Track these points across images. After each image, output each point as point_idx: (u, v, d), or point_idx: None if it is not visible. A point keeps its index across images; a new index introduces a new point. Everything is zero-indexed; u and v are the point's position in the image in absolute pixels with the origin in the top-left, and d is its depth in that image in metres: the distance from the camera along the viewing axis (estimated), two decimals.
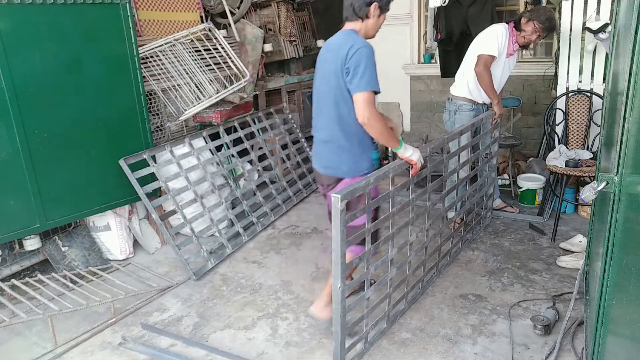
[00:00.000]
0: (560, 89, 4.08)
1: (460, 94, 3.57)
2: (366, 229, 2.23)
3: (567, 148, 3.89)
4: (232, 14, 4.99)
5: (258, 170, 4.23)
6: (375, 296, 2.49)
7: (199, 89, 4.13)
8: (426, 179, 2.68)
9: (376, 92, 2.26)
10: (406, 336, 2.53)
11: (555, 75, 4.20)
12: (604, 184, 1.52)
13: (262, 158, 4.40)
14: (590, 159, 3.67)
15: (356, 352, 2.37)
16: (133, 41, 3.37)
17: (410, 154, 2.38)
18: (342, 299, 2.12)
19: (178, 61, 4.07)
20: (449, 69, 4.89)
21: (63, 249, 3.29)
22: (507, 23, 3.47)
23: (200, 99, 4.05)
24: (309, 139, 5.83)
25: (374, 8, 2.33)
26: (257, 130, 4.42)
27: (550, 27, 3.41)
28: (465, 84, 3.54)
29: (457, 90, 3.60)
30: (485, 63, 3.34)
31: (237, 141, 4.21)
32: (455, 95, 3.60)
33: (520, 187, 4.17)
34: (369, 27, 2.38)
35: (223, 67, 4.42)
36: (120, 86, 3.35)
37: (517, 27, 3.43)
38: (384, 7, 2.37)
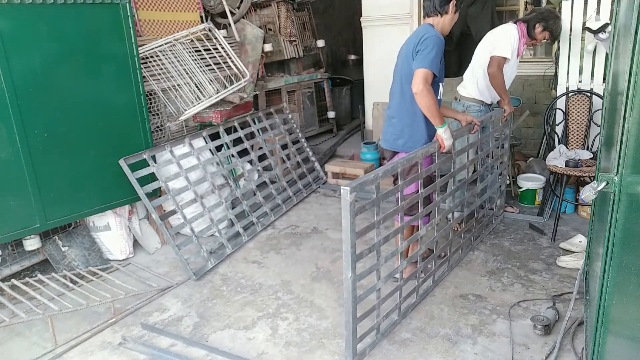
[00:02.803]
0: (560, 89, 4.08)
1: (469, 95, 3.56)
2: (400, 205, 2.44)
3: (567, 148, 3.89)
4: (232, 14, 5.00)
5: (258, 170, 4.23)
6: (386, 289, 2.52)
7: (199, 89, 4.13)
8: (436, 175, 2.75)
9: (435, 76, 2.57)
10: (406, 336, 2.53)
11: (555, 75, 4.20)
12: (604, 184, 1.52)
13: (262, 158, 4.40)
14: (590, 159, 3.67)
15: (367, 343, 2.39)
16: (133, 41, 3.37)
17: (447, 137, 2.65)
18: (353, 289, 2.15)
19: (178, 61, 4.07)
20: (449, 69, 4.87)
21: (63, 249, 3.29)
22: (515, 23, 3.47)
23: (200, 99, 4.06)
24: (309, 139, 5.89)
25: (452, 5, 2.67)
26: (257, 130, 4.42)
27: (557, 38, 3.63)
28: (474, 84, 3.52)
29: (466, 90, 3.59)
30: (499, 64, 3.35)
31: (237, 141, 4.21)
32: (464, 95, 3.58)
33: (520, 187, 4.17)
34: (445, 22, 2.71)
35: (223, 67, 4.42)
36: (120, 86, 3.35)
37: (530, 32, 3.46)
38: (458, 5, 2.72)
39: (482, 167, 3.40)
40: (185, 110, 3.94)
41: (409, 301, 2.71)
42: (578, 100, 3.90)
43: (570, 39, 3.97)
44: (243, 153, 4.25)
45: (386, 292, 2.50)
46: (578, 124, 3.92)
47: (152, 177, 3.42)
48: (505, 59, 3.36)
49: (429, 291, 2.89)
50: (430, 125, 2.72)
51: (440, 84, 2.77)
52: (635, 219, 1.47)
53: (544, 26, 3.42)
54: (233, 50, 4.54)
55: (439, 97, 2.77)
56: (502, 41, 3.37)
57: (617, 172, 1.50)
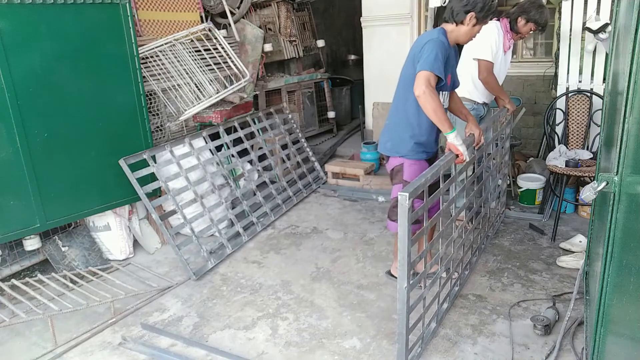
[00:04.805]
0: (560, 89, 4.08)
1: (460, 94, 3.54)
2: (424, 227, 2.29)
3: (567, 148, 3.89)
4: (232, 14, 5.00)
5: (258, 170, 4.23)
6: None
7: (199, 89, 4.13)
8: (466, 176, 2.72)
9: (439, 79, 2.45)
10: None
11: (555, 75, 4.20)
12: (604, 184, 1.52)
13: (262, 158, 4.40)
14: (590, 159, 3.67)
15: (414, 353, 2.33)
16: (133, 41, 3.37)
17: (460, 143, 2.48)
18: (408, 299, 2.07)
19: (178, 61, 4.07)
20: None
21: (63, 249, 3.29)
22: (498, 19, 3.43)
23: (200, 99, 4.05)
24: (309, 139, 5.89)
25: (470, 17, 2.51)
26: (257, 130, 4.42)
27: (545, 26, 3.42)
28: (463, 84, 3.50)
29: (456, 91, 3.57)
30: (487, 68, 3.32)
31: (237, 141, 4.21)
32: None
33: (520, 187, 4.17)
34: (460, 32, 2.57)
35: (223, 67, 4.42)
36: (120, 86, 3.35)
37: (513, 27, 3.40)
38: (480, 19, 2.53)
39: (494, 167, 3.38)
40: (185, 110, 3.94)
41: (442, 307, 2.66)
42: (578, 100, 3.90)
43: (570, 39, 3.97)
44: (243, 153, 4.24)
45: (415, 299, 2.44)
46: (578, 124, 3.92)
47: (152, 177, 3.42)
48: (490, 62, 3.31)
49: (458, 293, 2.86)
50: (422, 132, 2.62)
51: (442, 92, 2.64)
52: (635, 219, 1.47)
53: (526, 19, 3.34)
54: (233, 50, 4.54)
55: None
56: (481, 43, 3.28)
57: (617, 172, 1.50)
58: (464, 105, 3.51)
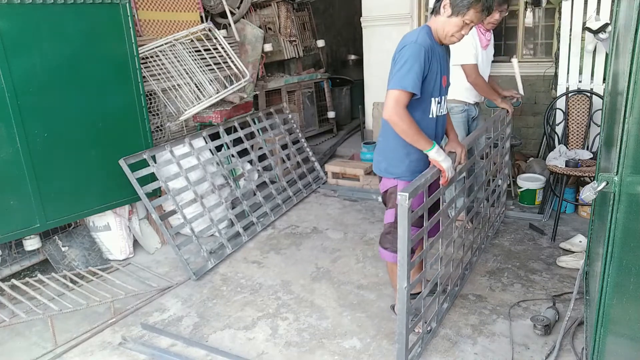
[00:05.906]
0: (560, 89, 4.08)
1: (450, 96, 3.51)
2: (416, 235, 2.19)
3: (567, 148, 3.89)
4: (232, 14, 5.00)
5: (258, 170, 4.23)
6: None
7: (199, 89, 4.13)
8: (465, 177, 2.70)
9: (413, 94, 2.18)
10: None
11: (555, 75, 4.20)
12: (604, 184, 1.52)
13: (262, 158, 4.40)
14: (590, 159, 3.67)
15: (414, 353, 2.33)
16: (133, 41, 3.37)
17: (442, 159, 2.23)
18: (408, 300, 2.07)
19: (178, 61, 4.07)
20: None
21: (63, 249, 3.29)
22: None
23: (200, 99, 4.05)
24: (309, 138, 5.89)
25: (443, 5, 2.21)
26: (257, 130, 4.42)
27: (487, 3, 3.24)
28: (453, 86, 3.46)
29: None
30: (474, 71, 3.30)
31: (237, 141, 4.21)
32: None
33: (520, 187, 4.17)
34: (438, 25, 2.26)
35: (223, 67, 4.42)
36: (120, 86, 3.35)
37: None
38: (455, 9, 2.18)
39: (493, 169, 3.38)
40: (185, 110, 3.94)
41: (442, 307, 2.66)
42: (578, 100, 3.91)
43: (570, 39, 3.98)
44: (243, 153, 4.25)
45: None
46: (578, 124, 3.92)
47: (152, 177, 3.42)
48: (474, 64, 3.29)
49: (457, 293, 2.86)
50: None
51: (434, 99, 2.32)
52: (635, 219, 1.47)
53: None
54: (233, 50, 4.54)
55: (431, 116, 2.34)
56: (461, 48, 3.20)
57: (617, 172, 1.50)
58: (455, 106, 3.49)
